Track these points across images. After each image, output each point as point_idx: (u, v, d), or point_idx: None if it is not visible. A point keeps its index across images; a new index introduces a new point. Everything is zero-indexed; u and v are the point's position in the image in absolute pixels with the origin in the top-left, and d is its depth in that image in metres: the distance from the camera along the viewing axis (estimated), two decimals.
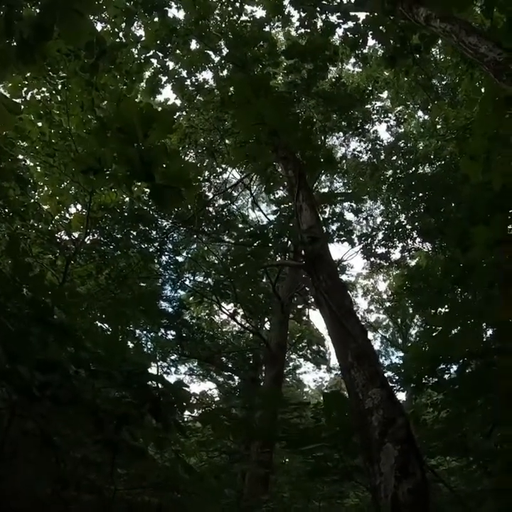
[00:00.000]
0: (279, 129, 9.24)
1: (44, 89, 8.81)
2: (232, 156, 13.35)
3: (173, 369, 15.64)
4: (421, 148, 15.56)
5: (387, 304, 21.75)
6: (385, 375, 5.04)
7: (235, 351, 16.06)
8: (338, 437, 3.89)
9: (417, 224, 14.35)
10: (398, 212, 15.94)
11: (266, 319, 17.19)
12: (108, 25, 9.46)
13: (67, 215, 11.19)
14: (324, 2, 10.37)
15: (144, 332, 13.52)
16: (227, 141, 14.26)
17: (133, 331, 12.56)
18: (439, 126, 14.30)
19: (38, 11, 3.90)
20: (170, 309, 14.14)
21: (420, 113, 16.48)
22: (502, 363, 4.55)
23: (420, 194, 14.00)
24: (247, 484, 11.27)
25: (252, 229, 13.38)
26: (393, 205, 16.33)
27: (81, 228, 10.54)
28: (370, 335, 17.60)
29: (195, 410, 5.82)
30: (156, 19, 10.80)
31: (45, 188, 10.06)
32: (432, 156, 14.46)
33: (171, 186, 4.70)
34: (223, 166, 15.51)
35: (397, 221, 15.90)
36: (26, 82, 8.39)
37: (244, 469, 11.36)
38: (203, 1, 11.06)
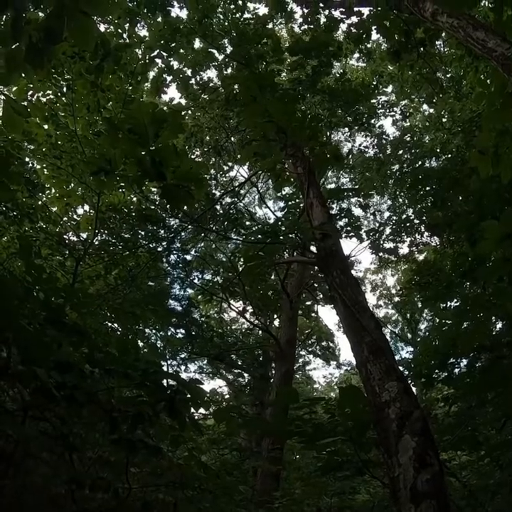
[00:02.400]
0: (286, 127, 9.27)
1: (49, 91, 8.84)
2: (240, 155, 13.39)
3: (182, 367, 15.74)
4: (427, 141, 15.51)
5: (396, 299, 21.71)
6: None
7: (244, 349, 16.09)
8: (353, 431, 3.91)
9: (424, 218, 14.31)
10: (406, 206, 15.90)
11: (275, 316, 17.21)
12: (111, 27, 9.48)
13: (75, 217, 11.27)
14: None
15: (154, 331, 13.60)
16: (233, 139, 14.29)
17: (143, 331, 12.63)
18: (444, 120, 14.26)
19: (41, 14, 3.95)
20: (179, 308, 14.22)
21: (425, 106, 16.45)
22: None
23: (427, 188, 13.94)
24: (258, 481, 11.33)
25: (260, 226, 13.40)
26: (400, 200, 16.31)
27: (89, 229, 10.61)
28: None
29: (208, 408, 5.83)
30: (159, 19, 10.82)
31: (53, 190, 10.11)
32: (438, 150, 14.40)
33: (182, 185, 4.75)
34: (229, 164, 15.55)
35: (404, 215, 15.86)
36: (31, 85, 8.42)
37: (256, 466, 11.41)
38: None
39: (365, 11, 9.94)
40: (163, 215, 13.02)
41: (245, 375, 17.30)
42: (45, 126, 9.09)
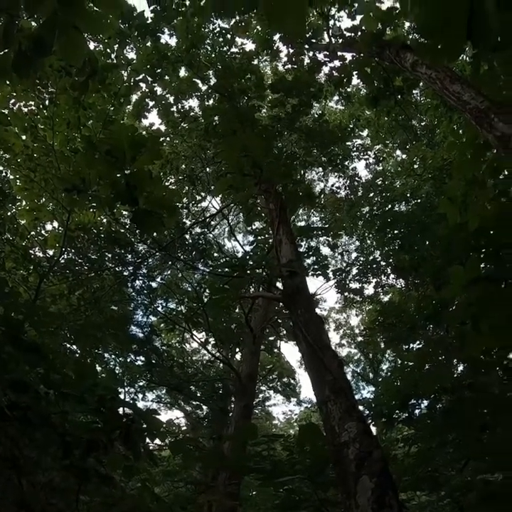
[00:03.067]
0: (262, 162, 9.40)
1: (32, 102, 8.75)
2: (214, 186, 13.47)
3: (140, 395, 15.34)
4: (398, 186, 15.91)
5: (359, 339, 21.84)
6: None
7: (204, 380, 15.82)
8: (311, 470, 3.85)
9: (391, 260, 14.57)
10: (373, 248, 16.16)
11: (237, 350, 17.05)
12: (101, 45, 9.53)
13: (43, 232, 11.03)
14: (313, 40, 10.67)
15: (113, 356, 13.26)
16: (208, 170, 14.37)
17: (102, 355, 12.30)
18: (416, 166, 14.69)
19: (34, 23, 3.93)
20: (140, 335, 13.92)
21: (399, 152, 16.98)
22: (474, 398, 4.60)
23: (395, 231, 14.25)
24: None
25: (228, 259, 13.41)
26: (368, 241, 16.58)
27: (57, 246, 10.39)
28: None
29: (163, 439, 5.66)
30: (148, 44, 10.95)
31: (24, 203, 9.90)
32: (408, 195, 14.77)
33: (153, 212, 4.72)
34: (203, 194, 15.60)
35: (371, 257, 16.11)
36: (14, 94, 8.32)
37: (211, 501, 11.07)
38: (196, 30, 11.27)
39: (348, 56, 10.29)
40: (132, 240, 12.88)
41: (204, 407, 16.96)
42: (24, 137, 8.96)
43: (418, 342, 9.11)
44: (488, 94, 5.02)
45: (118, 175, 4.59)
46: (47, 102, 8.51)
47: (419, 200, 14.04)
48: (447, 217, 6.07)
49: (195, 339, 15.08)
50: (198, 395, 15.81)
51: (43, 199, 9.60)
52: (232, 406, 14.36)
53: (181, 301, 15.22)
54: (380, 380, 19.44)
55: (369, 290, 16.61)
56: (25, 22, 3.57)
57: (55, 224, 10.91)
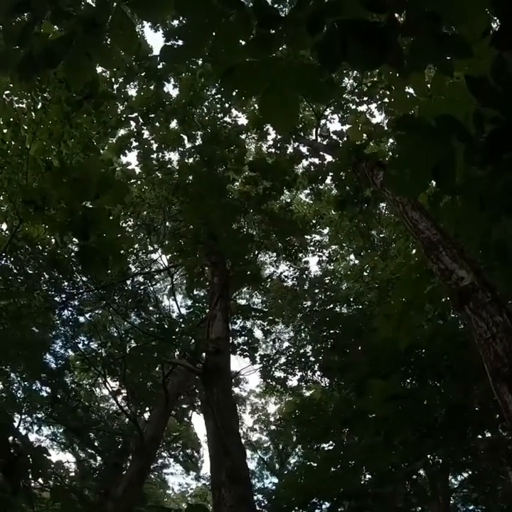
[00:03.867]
0: (219, 235, 9.54)
1: (24, 101, 8.71)
2: (167, 242, 13.50)
3: (36, 427, 14.32)
4: (344, 289, 16.37)
5: (273, 427, 21.43)
6: (255, 497, 4.93)
7: (105, 431, 14.97)
8: None
9: (321, 358, 14.69)
10: (306, 342, 16.29)
11: (147, 409, 16.35)
12: (107, 73, 9.69)
13: None
14: (301, 134, 11.30)
15: (19, 379, 12.45)
16: (167, 224, 14.37)
17: (8, 373, 11.53)
18: (365, 273, 15.24)
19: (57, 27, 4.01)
20: (53, 365, 13.23)
21: (352, 256, 17.59)
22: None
23: (331, 331, 14.50)
24: None
25: (161, 316, 13.26)
26: (303, 335, 16.73)
27: None
28: (248, 453, 17.08)
29: (47, 480, 5.29)
30: (151, 87, 11.29)
31: None
32: (351, 299, 15.18)
33: (101, 252, 4.64)
34: (155, 246, 15.48)
35: (302, 350, 16.20)
36: (11, 85, 8.24)
37: None
38: (199, 90, 11.74)
39: (329, 157, 10.93)
40: (73, 268, 12.53)
41: (98, 458, 15.92)
42: (4, 130, 8.79)
43: (330, 443, 9.07)
44: (443, 226, 5.42)
45: (78, 205, 4.56)
46: (38, 106, 8.48)
47: (360, 306, 14.44)
48: (381, 330, 6.34)
49: (108, 387, 14.42)
50: (96, 444, 14.90)
51: (0, 198, 9.33)
52: (128, 464, 13.58)
53: (104, 345, 14.65)
54: (285, 472, 18.94)
55: (293, 382, 16.58)
56: (47, 26, 3.64)
57: (4, 227, 10.57)
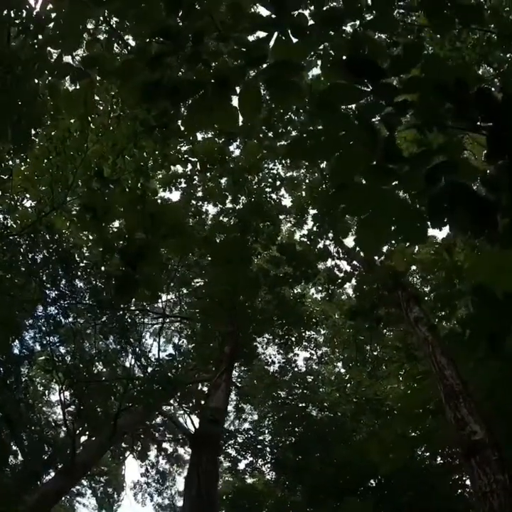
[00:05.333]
0: (243, 308, 9.52)
1: (103, 103, 9.10)
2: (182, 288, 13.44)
3: None
4: (321, 393, 16.09)
5: None
6: None
7: (38, 436, 14.29)
8: None
9: (276, 451, 14.30)
10: (268, 431, 15.92)
11: (87, 432, 15.68)
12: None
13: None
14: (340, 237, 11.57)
15: None
16: (184, 272, 14.32)
17: None
18: (348, 385, 15.06)
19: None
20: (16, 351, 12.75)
21: (340, 364, 17.40)
22: None
23: (296, 429, 14.20)
24: None
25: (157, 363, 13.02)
26: (267, 422, 16.35)
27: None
28: None
29: None
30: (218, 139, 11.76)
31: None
32: (326, 404, 14.91)
33: (141, 284, 4.73)
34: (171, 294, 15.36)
35: (261, 437, 15.70)
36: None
37: None
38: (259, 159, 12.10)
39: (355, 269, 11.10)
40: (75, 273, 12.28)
41: (20, 457, 15.07)
42: (72, 121, 8.97)
43: None
44: (466, 379, 5.56)
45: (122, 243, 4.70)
46: (114, 114, 8.94)
47: (332, 415, 14.15)
48: (371, 453, 6.30)
49: (61, 396, 13.91)
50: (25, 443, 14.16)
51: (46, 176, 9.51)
52: (48, 478, 12.98)
53: (74, 354, 14.24)
54: None
55: (241, 465, 15.99)
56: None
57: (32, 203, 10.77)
